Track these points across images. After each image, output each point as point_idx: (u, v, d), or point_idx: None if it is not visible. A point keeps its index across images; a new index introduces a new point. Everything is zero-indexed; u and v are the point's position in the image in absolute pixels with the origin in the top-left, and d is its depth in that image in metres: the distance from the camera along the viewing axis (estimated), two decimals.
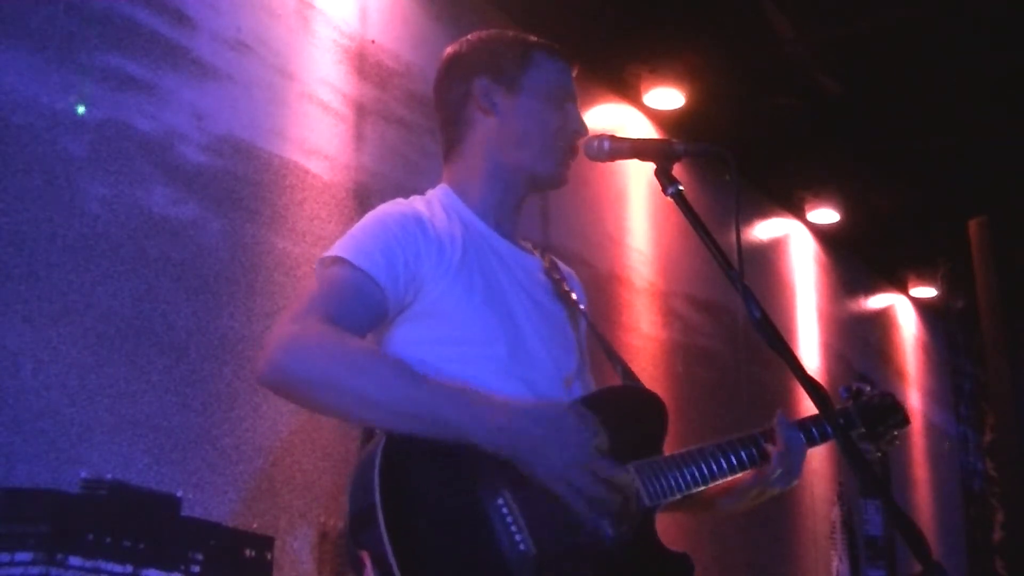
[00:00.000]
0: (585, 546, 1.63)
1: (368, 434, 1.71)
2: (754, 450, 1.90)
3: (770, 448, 1.89)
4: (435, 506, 1.55)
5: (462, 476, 1.59)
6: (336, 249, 1.75)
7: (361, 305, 1.70)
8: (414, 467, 1.57)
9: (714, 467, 1.84)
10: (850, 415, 2.05)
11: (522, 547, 1.57)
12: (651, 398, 1.92)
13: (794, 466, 1.91)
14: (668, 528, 1.95)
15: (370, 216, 1.82)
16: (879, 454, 2.08)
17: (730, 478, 1.88)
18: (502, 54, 1.95)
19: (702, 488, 1.83)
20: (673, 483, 1.78)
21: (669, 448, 1.87)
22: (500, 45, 1.97)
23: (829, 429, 1.96)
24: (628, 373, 1.99)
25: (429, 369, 1.70)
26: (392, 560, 1.46)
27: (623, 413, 1.84)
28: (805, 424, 1.97)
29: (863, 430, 2.04)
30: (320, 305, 1.67)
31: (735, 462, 1.87)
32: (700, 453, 1.84)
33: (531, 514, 1.60)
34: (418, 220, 1.79)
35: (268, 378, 1.63)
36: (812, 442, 1.97)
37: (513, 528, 1.58)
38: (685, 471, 1.80)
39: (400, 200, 1.89)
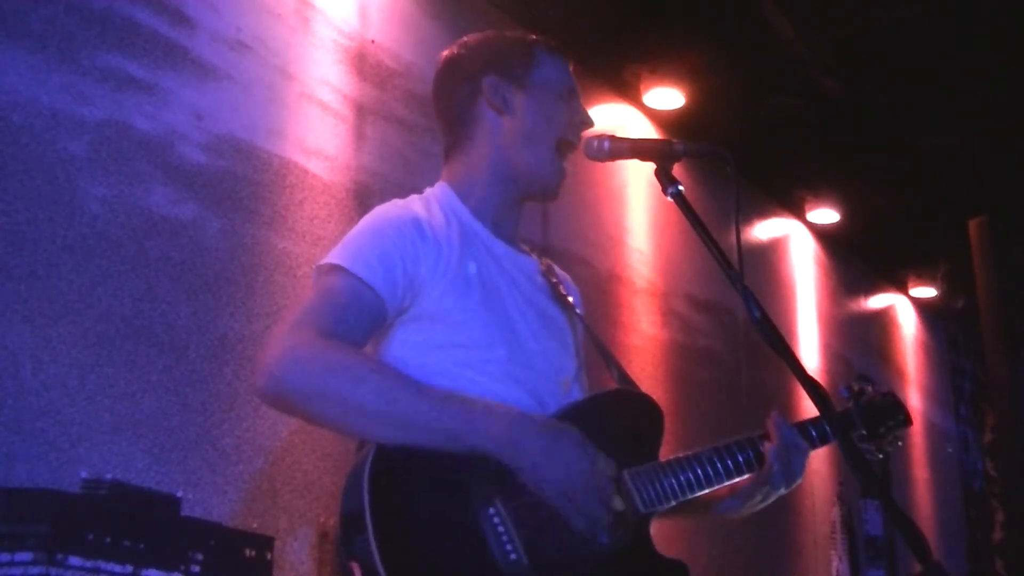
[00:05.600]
0: (579, 554, 1.61)
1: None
2: (751, 453, 1.86)
3: (766, 446, 1.86)
4: (425, 515, 1.54)
5: (453, 485, 1.57)
6: (333, 256, 1.73)
7: (359, 314, 1.69)
8: (405, 475, 1.55)
9: (710, 472, 1.81)
10: (851, 416, 2.01)
11: (513, 556, 1.56)
12: (647, 402, 1.90)
13: (793, 466, 1.87)
14: (667, 529, 1.94)
15: (366, 220, 1.81)
16: (880, 455, 2.05)
17: (727, 483, 1.85)
18: (508, 52, 1.95)
19: (698, 494, 1.81)
20: (668, 489, 1.76)
21: (667, 449, 1.87)
22: (504, 44, 1.97)
23: (827, 430, 1.93)
24: (624, 377, 1.98)
25: (427, 372, 1.69)
26: (381, 570, 1.45)
27: (618, 418, 1.83)
28: (804, 426, 1.94)
29: (864, 431, 2.01)
30: (317, 315, 1.65)
31: (731, 466, 1.84)
32: (696, 458, 1.82)
33: (523, 523, 1.58)
34: (415, 223, 1.78)
35: (265, 392, 1.61)
36: (813, 444, 1.93)
37: (504, 538, 1.57)
38: (680, 476, 1.78)
39: (397, 201, 1.87)
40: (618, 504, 1.66)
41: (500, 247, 1.91)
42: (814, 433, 1.94)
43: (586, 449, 1.63)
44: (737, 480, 1.88)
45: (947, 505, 7.23)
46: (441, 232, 1.80)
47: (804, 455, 1.90)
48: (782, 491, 1.90)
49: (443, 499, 1.57)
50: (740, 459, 1.85)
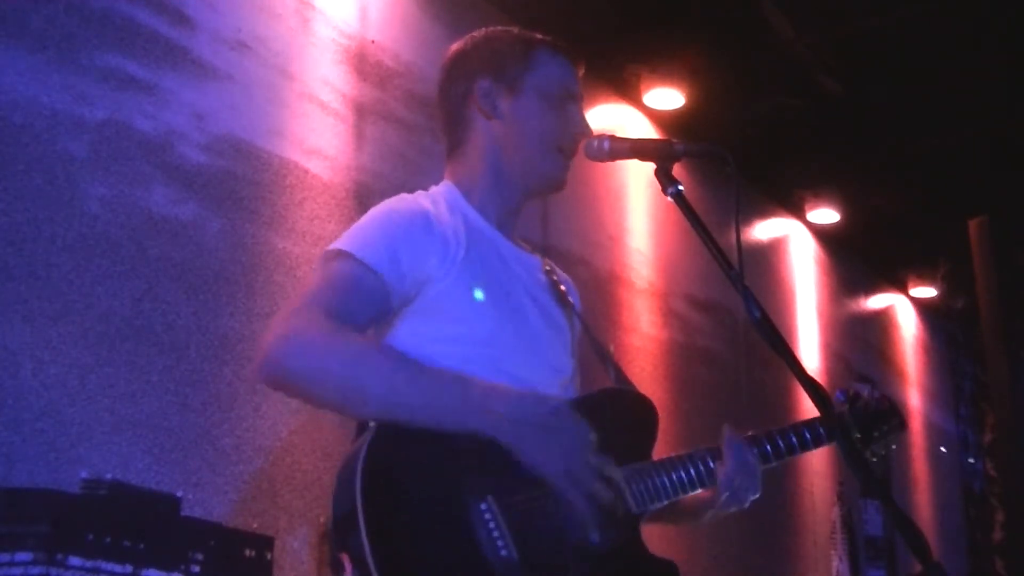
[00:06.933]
0: (569, 552, 1.61)
1: (360, 430, 1.70)
2: (710, 464, 1.84)
3: (718, 468, 1.83)
4: (417, 510, 1.54)
5: (445, 481, 1.57)
6: (340, 243, 1.74)
7: (363, 299, 1.69)
8: (396, 470, 1.55)
9: (702, 471, 1.81)
10: (846, 421, 1.99)
11: (504, 553, 1.55)
12: (642, 401, 1.90)
13: (744, 485, 1.84)
14: (667, 529, 1.94)
15: (375, 211, 1.81)
16: (874, 459, 2.04)
17: (704, 489, 1.84)
18: (504, 54, 1.93)
19: (689, 494, 1.81)
20: (660, 488, 1.76)
21: (668, 450, 1.86)
22: (503, 44, 1.95)
23: (782, 444, 1.91)
24: (620, 377, 1.98)
25: (429, 365, 1.69)
26: (371, 564, 1.45)
27: (613, 416, 1.83)
28: (758, 439, 1.91)
29: (858, 435, 1.99)
30: (321, 299, 1.66)
31: (713, 470, 1.83)
32: (689, 457, 1.82)
33: (514, 520, 1.58)
34: (424, 216, 1.78)
35: (266, 373, 1.62)
36: (766, 459, 1.90)
37: (496, 534, 1.56)
38: (672, 475, 1.78)
39: (405, 195, 1.87)
40: (617, 475, 1.65)
41: (505, 244, 1.91)
42: (768, 448, 1.91)
43: (582, 426, 1.64)
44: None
45: (947, 505, 7.23)
46: (448, 227, 1.80)
47: (756, 473, 1.86)
48: (734, 509, 1.88)
49: (435, 494, 1.57)
50: (712, 465, 1.84)
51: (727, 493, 1.83)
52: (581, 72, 1.99)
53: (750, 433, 1.93)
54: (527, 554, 1.57)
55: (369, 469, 1.52)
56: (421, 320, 1.76)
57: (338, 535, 1.54)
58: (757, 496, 1.88)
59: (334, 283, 1.70)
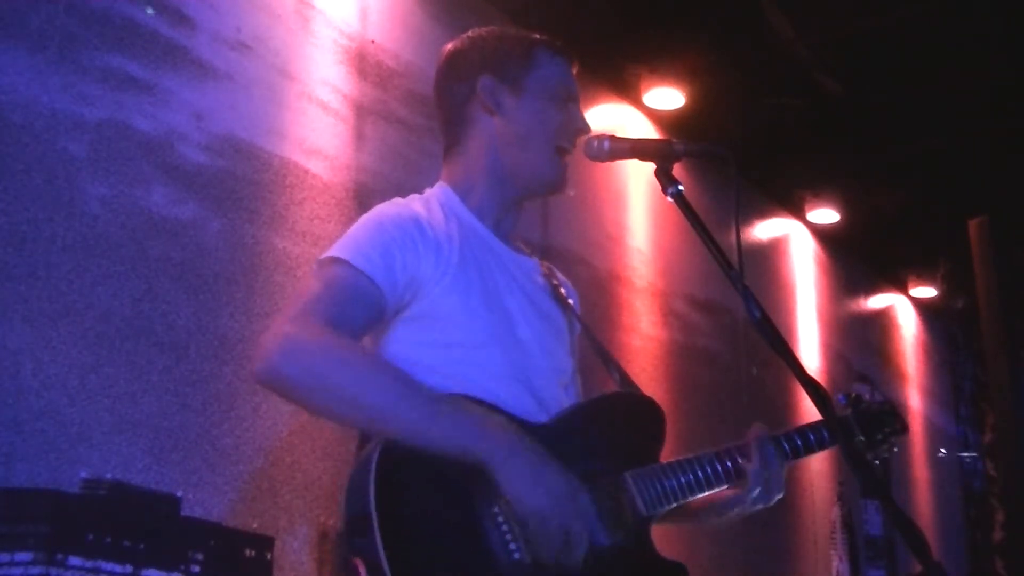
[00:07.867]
0: (580, 555, 1.60)
1: (365, 436, 1.70)
2: (739, 461, 1.85)
3: (746, 465, 1.83)
4: (430, 514, 1.55)
5: (457, 484, 1.57)
6: (334, 250, 1.74)
7: (359, 306, 1.69)
8: (409, 474, 1.56)
9: (711, 473, 1.81)
10: (849, 423, 1.99)
11: (516, 555, 1.56)
12: (649, 404, 1.90)
13: (773, 483, 1.84)
14: (667, 529, 1.94)
15: (368, 217, 1.81)
16: (876, 462, 2.04)
17: (726, 486, 1.84)
18: (506, 52, 1.93)
19: (698, 496, 1.80)
20: (669, 490, 1.76)
21: (667, 449, 1.87)
22: (503, 43, 1.95)
23: (787, 448, 1.91)
24: (625, 379, 1.98)
25: (427, 371, 1.69)
26: (386, 568, 1.46)
27: (620, 420, 1.83)
28: (786, 437, 1.91)
29: (862, 438, 2.00)
30: (317, 306, 1.66)
31: (731, 469, 1.83)
32: (697, 460, 1.82)
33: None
34: (416, 221, 1.79)
35: (263, 378, 1.62)
36: (787, 456, 1.90)
37: (508, 536, 1.57)
38: (681, 478, 1.78)
39: (398, 200, 1.88)
40: (584, 547, 1.60)
41: (500, 246, 1.91)
42: (786, 447, 1.91)
43: (570, 483, 1.60)
44: (723, 489, 1.86)
45: (947, 505, 7.23)
46: (441, 231, 1.80)
47: (783, 471, 1.87)
48: (760, 507, 1.88)
49: (447, 498, 1.57)
50: (740, 463, 1.85)
51: (759, 489, 1.83)
52: (575, 71, 2.00)
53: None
54: (538, 556, 1.57)
55: (382, 473, 1.53)
56: (417, 325, 1.76)
57: (350, 539, 1.54)
58: (782, 495, 1.87)
59: (330, 289, 1.70)
